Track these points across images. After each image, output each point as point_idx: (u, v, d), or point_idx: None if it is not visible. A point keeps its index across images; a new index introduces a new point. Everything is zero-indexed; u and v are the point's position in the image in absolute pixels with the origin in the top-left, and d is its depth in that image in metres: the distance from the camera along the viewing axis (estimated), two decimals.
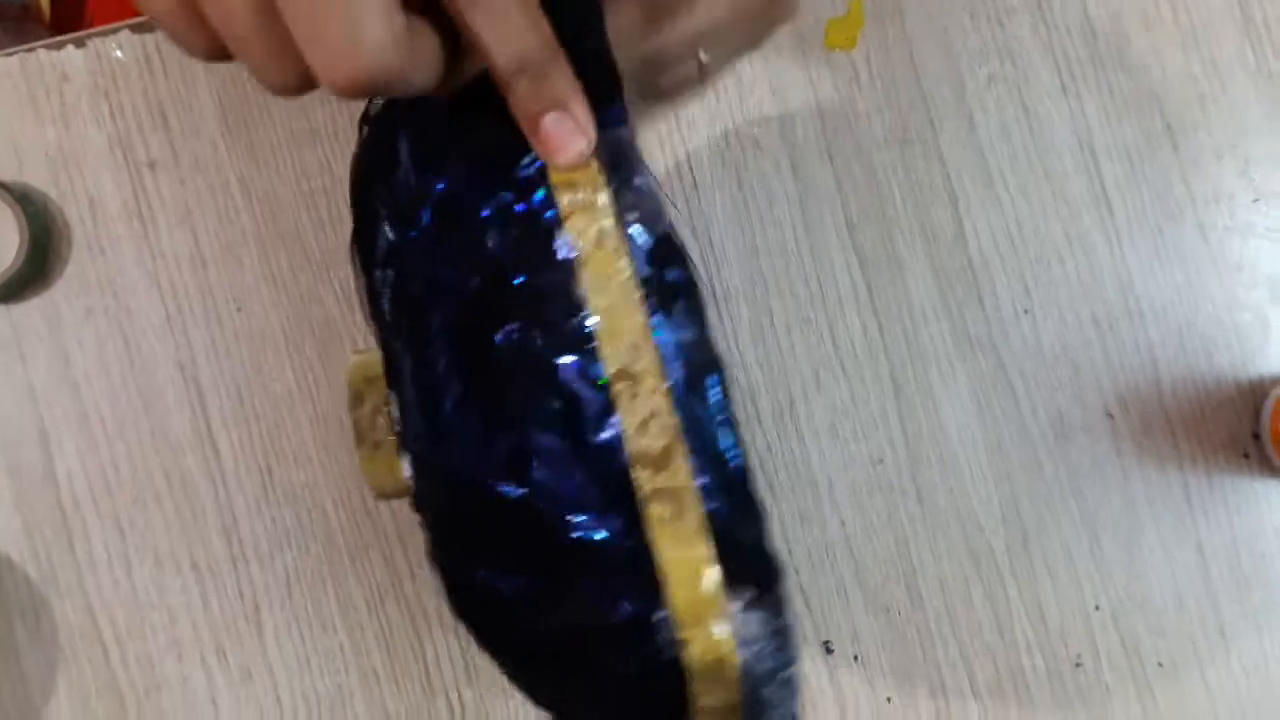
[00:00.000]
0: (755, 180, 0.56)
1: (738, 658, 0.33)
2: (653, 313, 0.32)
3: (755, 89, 0.56)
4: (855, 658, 0.55)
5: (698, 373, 0.32)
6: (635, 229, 0.32)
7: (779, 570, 0.34)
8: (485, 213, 0.33)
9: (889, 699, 0.55)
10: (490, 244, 0.32)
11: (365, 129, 0.38)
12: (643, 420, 0.31)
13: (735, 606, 0.33)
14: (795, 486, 0.56)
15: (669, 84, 0.41)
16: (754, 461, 0.56)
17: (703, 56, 0.40)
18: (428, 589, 0.56)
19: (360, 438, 0.39)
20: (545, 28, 0.31)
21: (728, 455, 0.32)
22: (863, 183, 0.56)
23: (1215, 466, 0.55)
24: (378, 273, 0.36)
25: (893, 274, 0.56)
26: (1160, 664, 0.55)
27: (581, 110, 0.31)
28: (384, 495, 0.40)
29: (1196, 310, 0.55)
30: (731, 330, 0.56)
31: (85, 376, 0.56)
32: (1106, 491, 0.55)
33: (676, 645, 0.33)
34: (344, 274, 0.56)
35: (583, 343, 0.31)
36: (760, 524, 0.33)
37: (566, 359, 0.32)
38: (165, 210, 0.57)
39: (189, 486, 0.56)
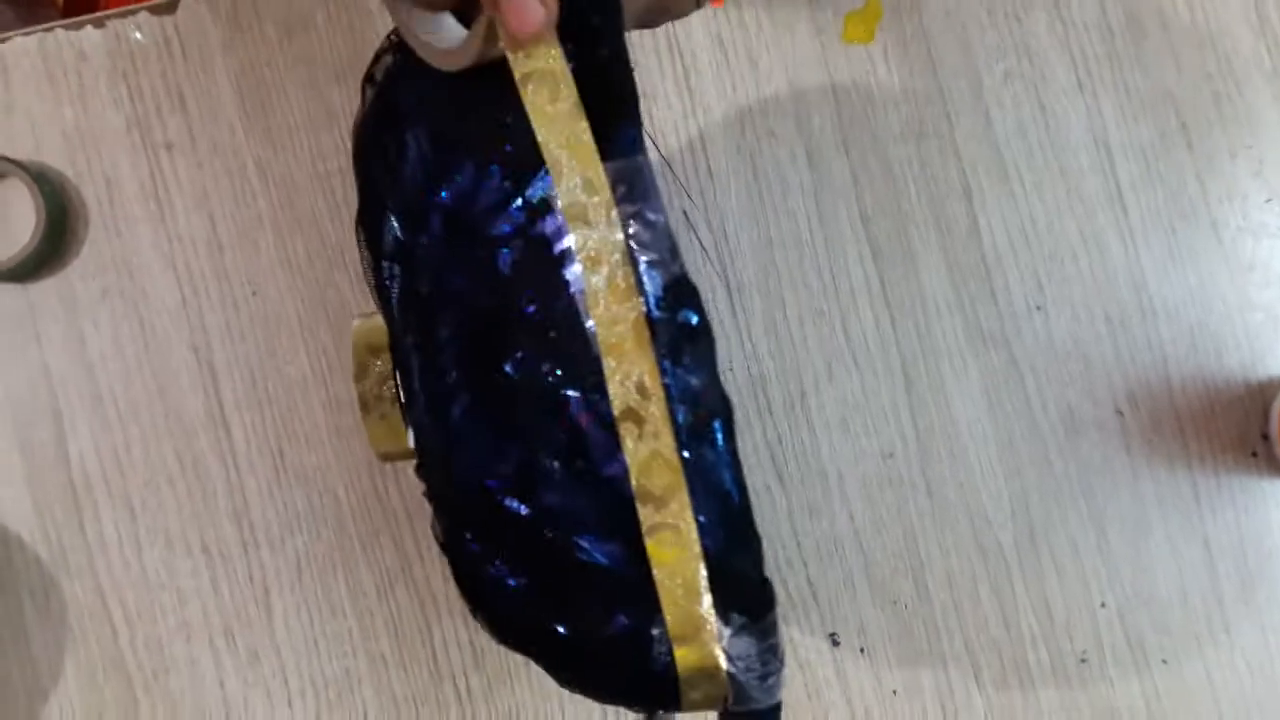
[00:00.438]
0: (771, 171, 0.56)
1: (725, 670, 0.34)
2: (662, 355, 0.32)
3: (772, 80, 0.57)
4: (862, 650, 0.55)
5: (704, 417, 0.32)
6: (648, 269, 0.32)
7: (772, 598, 0.35)
8: (496, 231, 0.33)
9: (895, 691, 0.55)
10: (501, 265, 0.33)
11: (368, 91, 0.38)
12: (646, 460, 0.32)
13: (727, 631, 0.34)
14: (805, 478, 0.56)
15: (667, 17, 0.41)
16: (764, 452, 0.56)
17: None
18: (437, 574, 0.56)
19: (366, 407, 0.39)
20: None
21: (729, 493, 0.33)
22: (878, 176, 0.56)
23: (1224, 465, 0.55)
24: (385, 264, 0.36)
25: (906, 267, 0.56)
26: (1165, 660, 0.55)
27: None
28: (388, 459, 0.40)
29: (1208, 309, 0.55)
30: (744, 321, 0.56)
31: (100, 357, 0.56)
32: (1115, 488, 0.55)
33: (670, 656, 0.34)
34: (358, 259, 0.56)
35: (591, 380, 0.32)
36: (757, 555, 0.34)
37: (574, 393, 0.32)
38: (182, 193, 0.57)
39: (201, 469, 0.56)
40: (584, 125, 0.32)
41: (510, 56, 0.32)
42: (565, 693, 0.55)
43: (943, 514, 0.56)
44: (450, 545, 0.37)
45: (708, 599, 0.33)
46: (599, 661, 0.36)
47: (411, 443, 0.37)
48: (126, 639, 0.56)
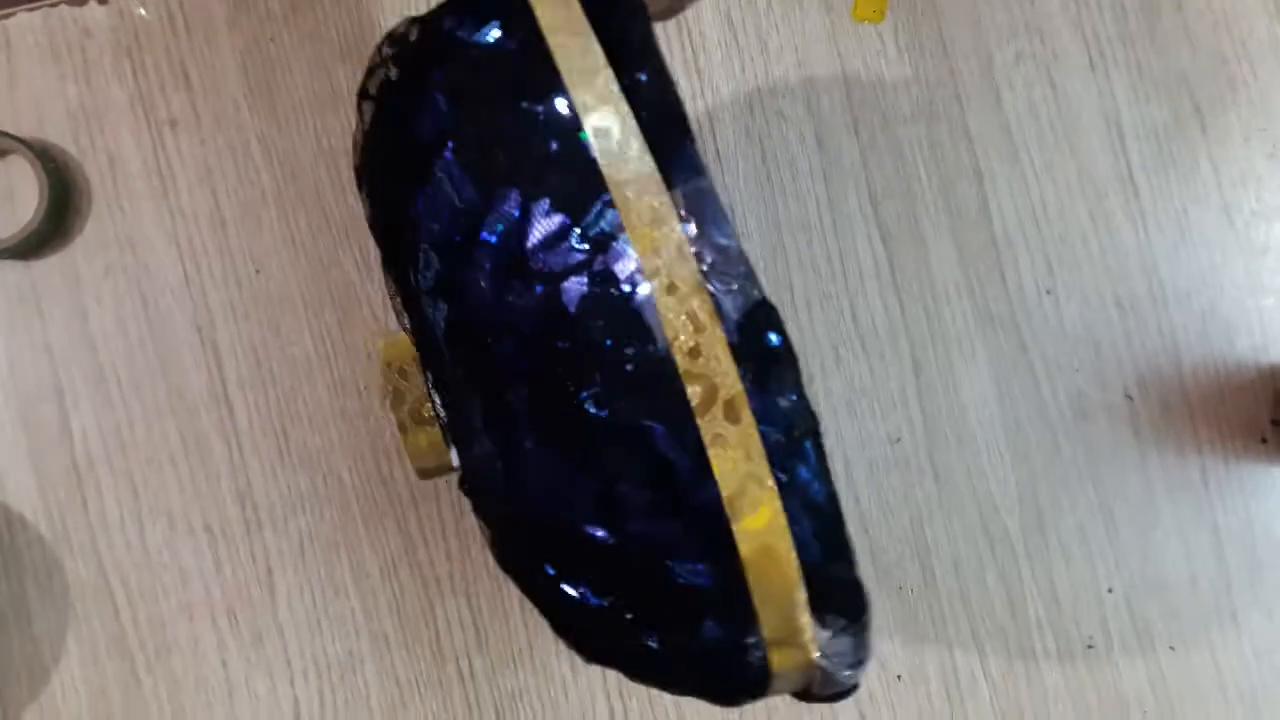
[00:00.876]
0: (779, 152, 0.56)
1: (819, 665, 0.35)
2: (749, 381, 0.31)
3: (781, 60, 0.56)
4: None
5: (796, 437, 0.32)
6: (725, 295, 0.31)
7: (866, 598, 0.35)
8: (557, 265, 0.32)
9: (899, 676, 0.55)
10: (566, 300, 0.32)
11: (366, 107, 0.37)
12: (740, 484, 0.31)
13: (825, 634, 0.34)
14: None
15: (679, 10, 0.41)
16: None
17: None
18: (440, 556, 0.55)
19: (405, 430, 0.38)
20: None
21: (822, 506, 0.32)
22: (888, 157, 0.56)
23: (1233, 451, 0.55)
24: (427, 305, 0.34)
25: (915, 250, 0.55)
26: (1172, 647, 0.55)
27: None
28: (428, 475, 0.39)
29: (1220, 294, 0.55)
30: None
31: (103, 335, 0.56)
32: (1123, 474, 0.55)
33: (765, 659, 0.34)
34: (364, 239, 0.56)
35: (676, 410, 0.31)
36: (850, 559, 0.34)
37: (657, 424, 0.31)
38: (185, 169, 0.56)
39: (204, 448, 0.56)
40: (644, 149, 0.31)
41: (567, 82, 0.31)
42: (569, 675, 0.55)
43: (950, 499, 0.55)
44: (521, 569, 0.37)
45: (806, 612, 0.33)
46: (689, 668, 0.36)
47: (455, 461, 0.36)
48: (129, 618, 0.56)
